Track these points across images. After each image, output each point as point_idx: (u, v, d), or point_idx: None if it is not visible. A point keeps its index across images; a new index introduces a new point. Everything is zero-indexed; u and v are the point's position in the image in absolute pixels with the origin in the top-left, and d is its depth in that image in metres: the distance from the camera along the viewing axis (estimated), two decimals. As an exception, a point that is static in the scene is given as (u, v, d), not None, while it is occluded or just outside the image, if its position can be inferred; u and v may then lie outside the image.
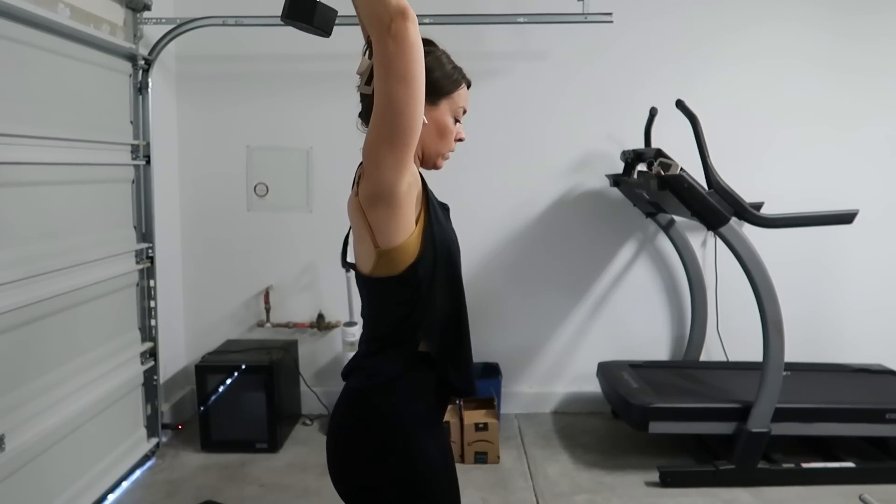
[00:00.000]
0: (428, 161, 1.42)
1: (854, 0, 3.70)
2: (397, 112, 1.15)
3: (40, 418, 2.43)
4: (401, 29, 1.10)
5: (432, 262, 1.31)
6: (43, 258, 2.48)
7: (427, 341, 1.35)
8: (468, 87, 1.44)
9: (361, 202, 1.27)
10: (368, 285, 1.36)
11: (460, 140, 1.45)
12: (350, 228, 1.37)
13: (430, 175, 1.42)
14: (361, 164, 1.28)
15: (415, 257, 1.28)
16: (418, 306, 1.31)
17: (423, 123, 1.25)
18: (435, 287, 1.32)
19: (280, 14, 1.25)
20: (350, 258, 1.42)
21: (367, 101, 1.34)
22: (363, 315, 1.44)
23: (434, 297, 1.33)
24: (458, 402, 3.32)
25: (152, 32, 3.28)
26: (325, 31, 1.28)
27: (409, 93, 1.15)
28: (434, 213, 1.33)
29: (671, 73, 3.69)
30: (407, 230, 1.26)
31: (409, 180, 1.24)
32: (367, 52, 1.32)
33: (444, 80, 1.36)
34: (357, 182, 1.32)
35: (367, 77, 1.31)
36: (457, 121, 1.42)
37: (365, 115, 1.37)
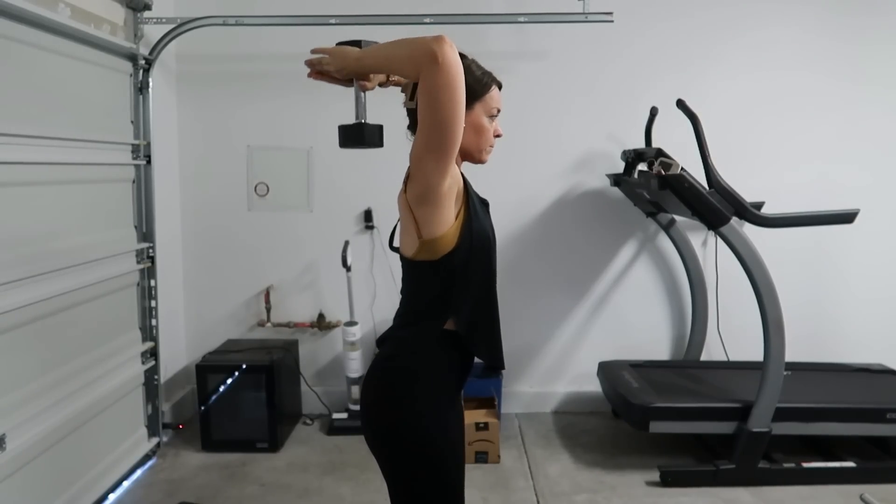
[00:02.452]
0: (471, 157, 1.59)
1: (856, 1, 3.69)
2: (447, 128, 1.33)
3: (41, 418, 2.43)
4: (446, 54, 1.28)
5: (467, 253, 1.49)
6: (43, 258, 2.48)
7: (455, 320, 1.53)
8: (499, 88, 1.59)
9: (409, 200, 1.46)
10: (410, 267, 1.56)
11: (498, 136, 1.60)
12: (399, 219, 1.57)
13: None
14: (410, 166, 1.45)
15: (452, 247, 1.47)
16: (451, 290, 1.50)
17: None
18: (468, 273, 1.50)
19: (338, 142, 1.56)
20: (395, 243, 1.62)
21: (413, 115, 1.52)
22: (402, 292, 1.62)
23: (467, 282, 1.51)
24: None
25: (153, 32, 3.28)
26: (378, 145, 1.54)
27: (457, 109, 1.32)
28: (473, 208, 1.51)
29: (672, 72, 3.69)
30: (447, 223, 1.46)
31: (450, 181, 1.42)
32: None
33: (475, 86, 1.51)
34: (405, 181, 1.50)
35: (411, 93, 1.50)
36: (492, 118, 1.57)
37: (413, 126, 1.54)
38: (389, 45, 1.41)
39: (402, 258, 1.57)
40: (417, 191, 1.43)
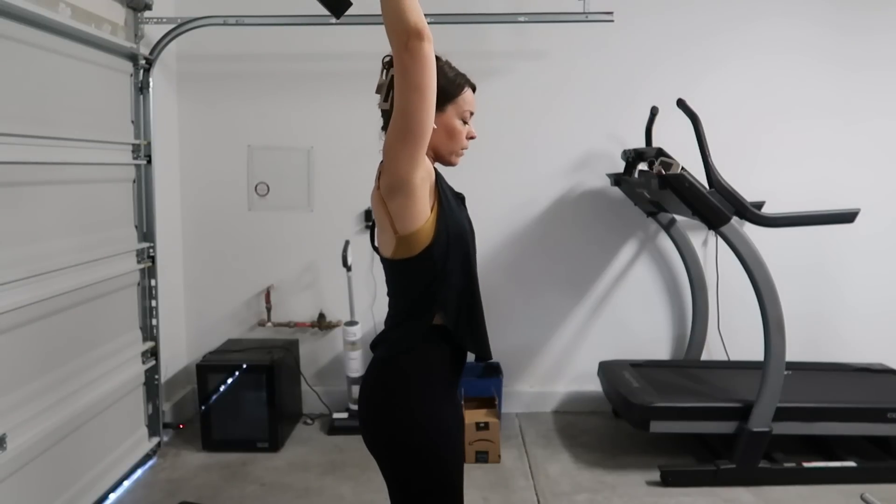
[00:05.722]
0: (443, 159, 1.58)
1: (856, -1, 3.70)
2: (410, 116, 1.33)
3: (41, 418, 2.44)
4: (416, 47, 1.28)
5: (445, 246, 1.48)
6: (44, 258, 2.48)
7: (442, 315, 1.52)
8: (473, 90, 1.58)
9: (382, 193, 1.45)
10: (391, 267, 1.56)
11: (472, 138, 1.60)
12: (374, 219, 1.55)
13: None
14: (382, 161, 1.45)
15: (430, 241, 1.46)
16: (434, 284, 1.49)
17: (433, 128, 1.43)
18: (448, 267, 1.50)
19: None
20: (376, 242, 1.60)
21: (386, 116, 1.51)
22: (388, 294, 1.62)
23: (448, 276, 1.50)
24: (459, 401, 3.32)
25: (153, 32, 3.28)
26: (336, 14, 1.44)
27: (421, 100, 1.32)
28: (447, 202, 1.50)
29: (672, 71, 3.69)
30: (422, 217, 1.44)
31: (422, 174, 1.41)
32: (384, 72, 1.52)
33: (448, 87, 1.50)
34: (378, 177, 1.49)
35: (385, 94, 1.49)
36: (465, 122, 1.57)
37: (386, 127, 1.50)
38: None
39: (383, 259, 1.57)
40: (390, 182, 1.42)
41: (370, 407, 1.55)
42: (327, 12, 1.49)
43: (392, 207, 1.44)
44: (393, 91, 1.43)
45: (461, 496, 1.57)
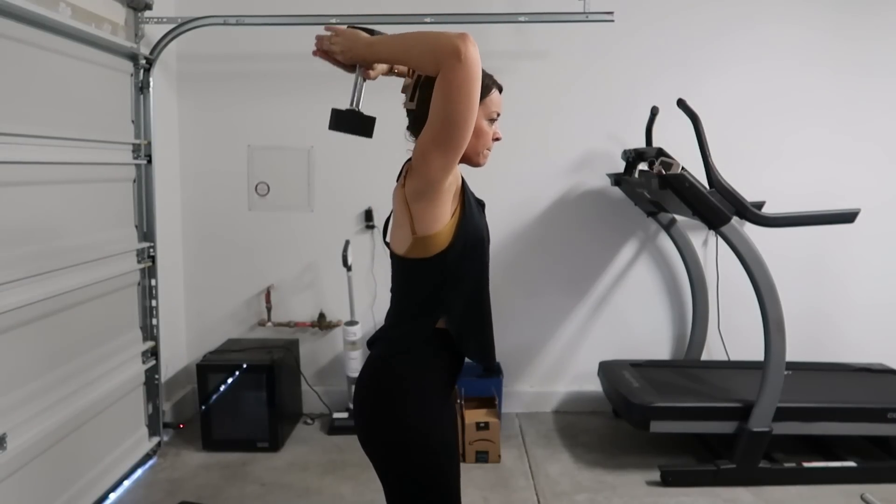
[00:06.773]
0: (468, 160, 1.55)
1: (856, -1, 3.70)
2: (458, 125, 1.33)
3: (42, 417, 2.44)
4: (470, 52, 1.27)
5: (461, 252, 1.48)
6: (44, 257, 2.48)
7: (447, 319, 1.52)
8: (500, 91, 1.57)
9: (407, 194, 1.45)
10: (400, 265, 1.54)
11: (497, 140, 1.59)
12: (391, 212, 1.56)
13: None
14: (408, 160, 1.46)
15: (446, 245, 1.46)
16: (443, 288, 1.49)
17: None
18: (461, 273, 1.50)
19: (328, 124, 1.50)
20: (388, 237, 1.60)
21: (412, 115, 1.52)
22: (392, 291, 1.60)
23: (459, 281, 1.50)
24: (459, 401, 3.32)
25: (153, 32, 3.28)
26: (368, 135, 1.49)
27: (472, 108, 1.32)
28: (469, 208, 1.50)
29: (672, 71, 3.69)
30: (443, 221, 1.45)
31: (451, 179, 1.43)
32: (411, 73, 1.53)
33: None
34: (404, 175, 1.50)
35: (412, 93, 1.49)
36: (492, 121, 1.56)
37: (412, 127, 1.53)
38: (408, 36, 1.38)
39: (393, 255, 1.56)
40: (418, 186, 1.42)
41: (365, 408, 1.54)
42: (325, 22, 1.52)
43: (415, 209, 1.44)
44: (419, 91, 1.45)
45: (458, 498, 1.57)
